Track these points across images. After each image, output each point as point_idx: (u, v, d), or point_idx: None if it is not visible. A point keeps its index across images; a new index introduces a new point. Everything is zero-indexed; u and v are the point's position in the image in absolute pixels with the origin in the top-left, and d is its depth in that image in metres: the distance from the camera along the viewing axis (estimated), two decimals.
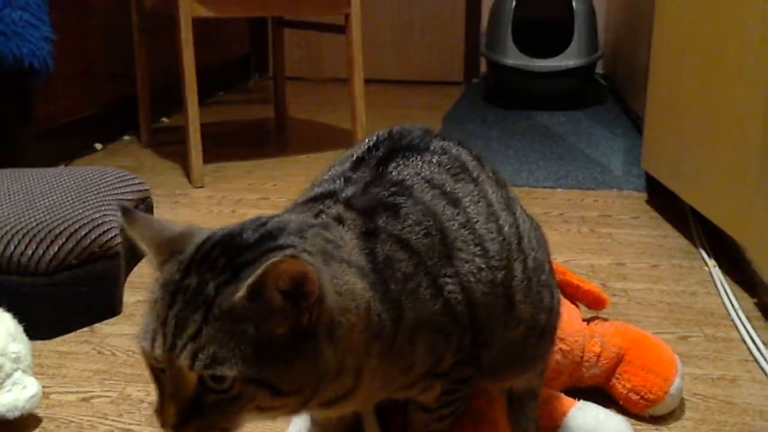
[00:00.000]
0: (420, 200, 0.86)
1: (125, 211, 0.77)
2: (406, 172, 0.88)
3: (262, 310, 0.69)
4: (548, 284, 1.03)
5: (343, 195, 0.85)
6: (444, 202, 0.87)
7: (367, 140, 0.94)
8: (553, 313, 1.04)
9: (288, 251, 0.72)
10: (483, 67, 4.25)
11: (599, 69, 4.05)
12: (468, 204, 0.89)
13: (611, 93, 3.90)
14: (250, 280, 0.68)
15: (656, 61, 2.21)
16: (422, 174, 0.89)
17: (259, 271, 0.67)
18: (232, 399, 0.71)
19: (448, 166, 0.91)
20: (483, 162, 0.97)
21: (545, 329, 1.02)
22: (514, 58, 3.55)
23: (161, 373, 0.73)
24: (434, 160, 0.91)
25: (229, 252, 0.73)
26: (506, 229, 0.92)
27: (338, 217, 0.82)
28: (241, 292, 0.69)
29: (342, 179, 0.88)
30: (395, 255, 0.81)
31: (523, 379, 1.07)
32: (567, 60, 3.52)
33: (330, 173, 0.92)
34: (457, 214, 0.87)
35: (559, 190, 2.45)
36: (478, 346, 0.90)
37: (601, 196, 2.39)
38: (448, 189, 0.89)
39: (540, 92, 3.59)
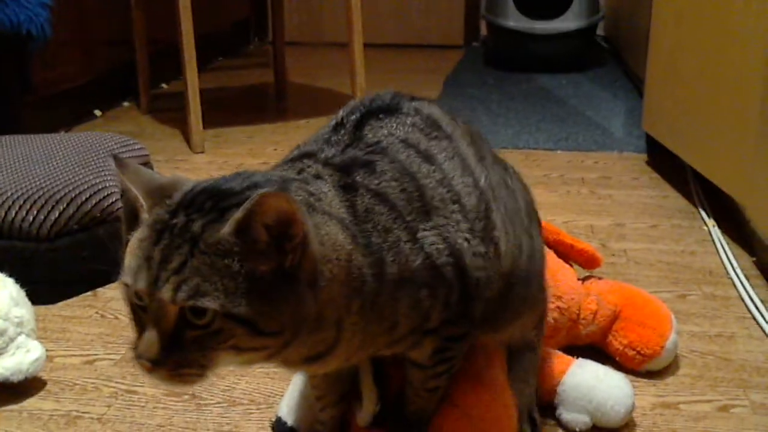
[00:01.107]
0: (395, 159, 0.88)
1: (117, 160, 0.79)
2: (380, 134, 0.91)
3: (247, 247, 0.71)
4: (526, 230, 1.05)
5: (323, 155, 0.88)
6: (419, 160, 0.89)
7: (344, 108, 0.96)
8: (535, 260, 1.06)
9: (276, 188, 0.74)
10: (483, 31, 4.22)
11: (600, 31, 4.02)
12: (443, 161, 0.91)
13: (612, 55, 3.88)
14: (237, 215, 0.70)
15: (657, 23, 2.20)
16: (396, 134, 0.91)
17: (247, 205, 0.69)
18: (211, 335, 0.72)
19: (421, 126, 0.93)
20: (456, 118, 0.99)
21: (529, 275, 1.03)
22: (515, 20, 3.53)
23: (141, 311, 0.74)
24: (407, 121, 0.93)
25: (215, 197, 0.75)
26: (482, 181, 0.94)
27: (317, 174, 0.84)
28: (228, 228, 0.71)
29: (321, 142, 0.91)
30: (374, 208, 0.83)
31: (519, 325, 1.08)
32: (568, 22, 3.49)
33: (311, 138, 0.94)
34: (433, 171, 0.89)
35: (559, 152, 2.45)
36: (469, 301, 0.90)
37: (601, 157, 2.39)
38: (423, 147, 0.91)
39: (541, 54, 3.56)
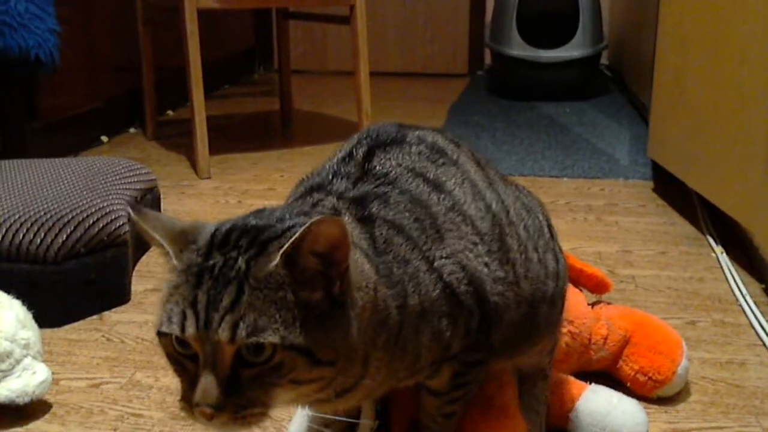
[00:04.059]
0: (406, 190, 0.88)
1: (134, 209, 0.77)
2: (389, 165, 0.90)
3: (297, 276, 0.70)
4: (551, 249, 1.04)
5: (334, 189, 0.87)
6: (429, 189, 0.89)
7: (349, 141, 0.96)
8: (560, 278, 1.05)
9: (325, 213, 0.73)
10: (487, 59, 4.24)
11: (604, 60, 4.04)
12: (453, 187, 0.91)
13: (616, 83, 3.90)
14: (286, 245, 0.69)
15: (662, 50, 2.21)
16: (404, 165, 0.91)
17: (297, 234, 0.68)
18: (270, 370, 0.70)
19: (427, 153, 0.93)
20: (460, 144, 0.99)
21: (555, 295, 1.03)
22: (519, 48, 3.55)
23: (186, 360, 0.72)
24: (413, 150, 0.93)
25: (249, 233, 0.73)
26: (494, 205, 0.94)
27: (333, 208, 0.84)
28: (277, 260, 0.70)
29: (329, 175, 0.90)
30: (393, 239, 0.83)
31: (536, 350, 1.07)
32: (572, 50, 3.51)
33: (316, 171, 0.94)
34: (444, 199, 0.89)
35: (565, 179, 2.45)
36: (488, 328, 0.90)
37: (607, 185, 2.39)
38: (431, 176, 0.91)
39: (545, 83, 3.58)
